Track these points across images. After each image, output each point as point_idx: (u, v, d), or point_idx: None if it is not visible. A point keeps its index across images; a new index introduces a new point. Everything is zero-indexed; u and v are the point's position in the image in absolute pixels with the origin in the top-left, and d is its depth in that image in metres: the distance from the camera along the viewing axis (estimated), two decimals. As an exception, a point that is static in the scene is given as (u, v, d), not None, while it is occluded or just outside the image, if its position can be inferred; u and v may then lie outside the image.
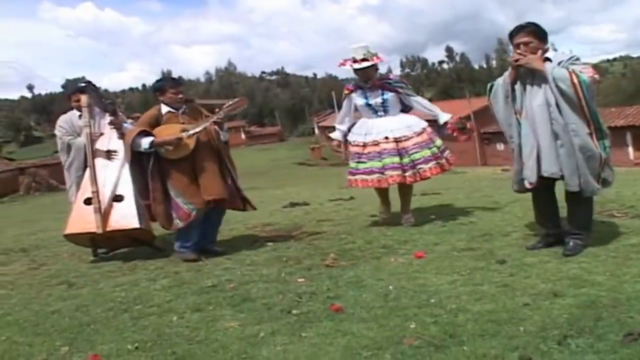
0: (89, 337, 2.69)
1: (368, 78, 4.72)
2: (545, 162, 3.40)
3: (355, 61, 4.67)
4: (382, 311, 2.71)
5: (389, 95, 4.71)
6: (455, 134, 4.79)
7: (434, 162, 4.61)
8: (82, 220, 4.39)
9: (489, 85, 3.75)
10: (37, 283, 3.89)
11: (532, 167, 3.46)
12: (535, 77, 3.40)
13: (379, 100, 4.72)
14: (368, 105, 4.75)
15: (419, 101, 4.85)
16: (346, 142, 4.94)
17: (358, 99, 4.80)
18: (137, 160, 4.28)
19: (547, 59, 3.38)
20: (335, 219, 5.57)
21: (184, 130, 4.15)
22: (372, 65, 4.69)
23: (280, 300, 3.01)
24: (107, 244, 4.65)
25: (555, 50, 3.44)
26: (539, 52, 3.39)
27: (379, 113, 4.76)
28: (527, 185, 3.57)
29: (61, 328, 2.84)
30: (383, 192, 4.89)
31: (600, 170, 3.35)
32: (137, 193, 4.34)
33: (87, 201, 4.42)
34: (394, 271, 3.41)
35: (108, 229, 4.32)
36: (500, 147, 28.01)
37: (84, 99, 4.55)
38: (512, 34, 3.49)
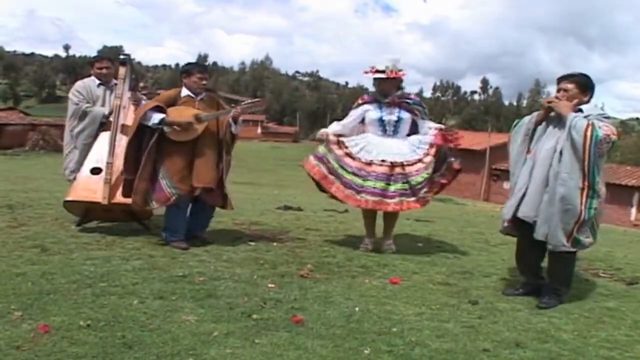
0: (45, 306, 2.67)
1: (387, 92, 4.56)
2: (525, 203, 3.40)
3: (378, 71, 4.52)
4: (341, 331, 2.67)
5: (404, 115, 4.56)
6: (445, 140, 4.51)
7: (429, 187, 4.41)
8: (87, 189, 4.38)
9: (515, 121, 3.76)
10: (11, 242, 3.88)
11: (512, 205, 3.48)
12: (560, 123, 3.38)
13: (393, 117, 4.54)
14: (380, 120, 4.55)
15: (428, 125, 4.61)
16: (338, 140, 4.60)
17: (372, 112, 4.59)
18: (137, 134, 4.15)
19: (579, 110, 3.36)
20: (323, 230, 5.53)
21: (196, 116, 4.16)
22: (394, 79, 4.53)
23: (244, 302, 2.98)
24: (102, 216, 4.66)
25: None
26: (575, 101, 3.37)
27: (387, 132, 4.57)
28: (505, 223, 3.56)
29: (20, 292, 2.83)
30: (369, 217, 4.69)
31: (574, 228, 3.27)
32: (123, 167, 4.21)
33: (95, 171, 4.44)
34: (364, 293, 3.37)
35: (114, 200, 4.31)
36: (506, 185, 27.81)
37: (122, 71, 4.58)
38: (560, 79, 3.49)
